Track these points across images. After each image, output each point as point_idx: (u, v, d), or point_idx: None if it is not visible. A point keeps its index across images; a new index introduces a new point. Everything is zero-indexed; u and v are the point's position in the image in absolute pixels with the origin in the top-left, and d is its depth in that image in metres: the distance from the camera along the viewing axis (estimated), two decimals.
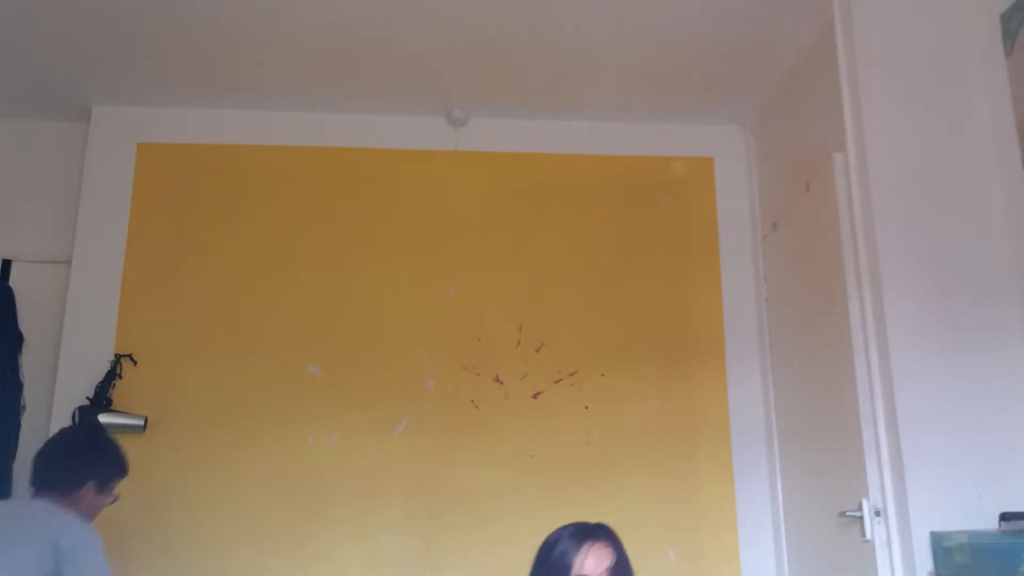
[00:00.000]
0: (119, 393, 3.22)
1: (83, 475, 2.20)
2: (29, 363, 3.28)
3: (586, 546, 1.76)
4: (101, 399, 3.18)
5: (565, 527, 1.87)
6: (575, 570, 1.74)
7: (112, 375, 3.22)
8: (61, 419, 3.17)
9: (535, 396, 3.39)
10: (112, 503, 2.33)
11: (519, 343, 3.43)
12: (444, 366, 3.35)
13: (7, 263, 3.41)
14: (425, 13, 2.92)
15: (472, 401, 3.34)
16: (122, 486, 2.50)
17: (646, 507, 3.29)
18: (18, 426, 3.16)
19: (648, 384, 3.42)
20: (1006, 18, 2.43)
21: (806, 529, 3.03)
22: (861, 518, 2.46)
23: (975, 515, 2.25)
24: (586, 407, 3.38)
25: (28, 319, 3.33)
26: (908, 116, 2.57)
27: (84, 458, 2.24)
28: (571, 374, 3.41)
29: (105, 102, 3.49)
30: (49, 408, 3.20)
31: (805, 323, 3.06)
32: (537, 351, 3.43)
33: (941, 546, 2.21)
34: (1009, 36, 2.42)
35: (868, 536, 2.42)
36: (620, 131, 3.67)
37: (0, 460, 3.06)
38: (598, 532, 1.82)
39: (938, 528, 2.25)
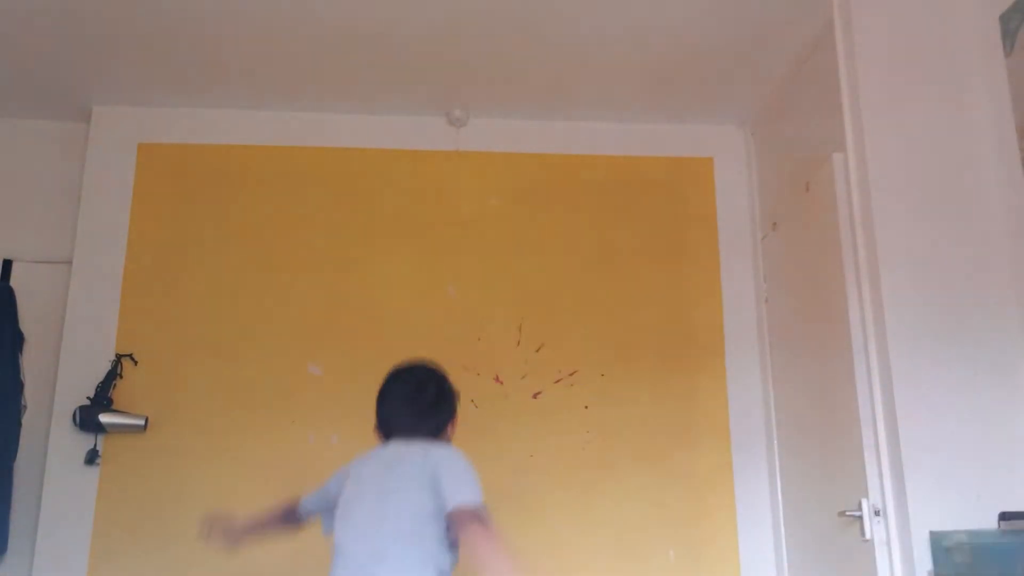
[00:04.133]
0: (120, 393, 3.23)
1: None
2: (30, 363, 3.28)
3: None
4: (102, 399, 3.18)
5: None
6: None
7: (113, 375, 3.23)
8: (62, 419, 3.18)
9: (535, 396, 3.39)
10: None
11: (519, 343, 3.43)
12: (444, 366, 3.33)
13: (8, 263, 3.41)
14: (425, 13, 2.92)
15: (472, 401, 3.34)
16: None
17: (646, 507, 3.29)
18: (19, 426, 3.16)
19: (648, 384, 3.42)
20: (1005, 19, 2.43)
21: (806, 529, 3.03)
22: (860, 518, 2.46)
23: (975, 515, 2.25)
24: (586, 407, 3.38)
25: (29, 319, 3.33)
26: (908, 116, 2.57)
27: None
28: (571, 374, 3.41)
29: (106, 102, 3.50)
30: (50, 408, 3.21)
31: (805, 323, 3.06)
32: (537, 351, 3.43)
33: (941, 546, 2.21)
34: (1009, 36, 2.42)
35: (868, 536, 2.43)
36: (620, 131, 3.67)
37: (1, 459, 3.06)
38: None
39: (937, 528, 2.25)
